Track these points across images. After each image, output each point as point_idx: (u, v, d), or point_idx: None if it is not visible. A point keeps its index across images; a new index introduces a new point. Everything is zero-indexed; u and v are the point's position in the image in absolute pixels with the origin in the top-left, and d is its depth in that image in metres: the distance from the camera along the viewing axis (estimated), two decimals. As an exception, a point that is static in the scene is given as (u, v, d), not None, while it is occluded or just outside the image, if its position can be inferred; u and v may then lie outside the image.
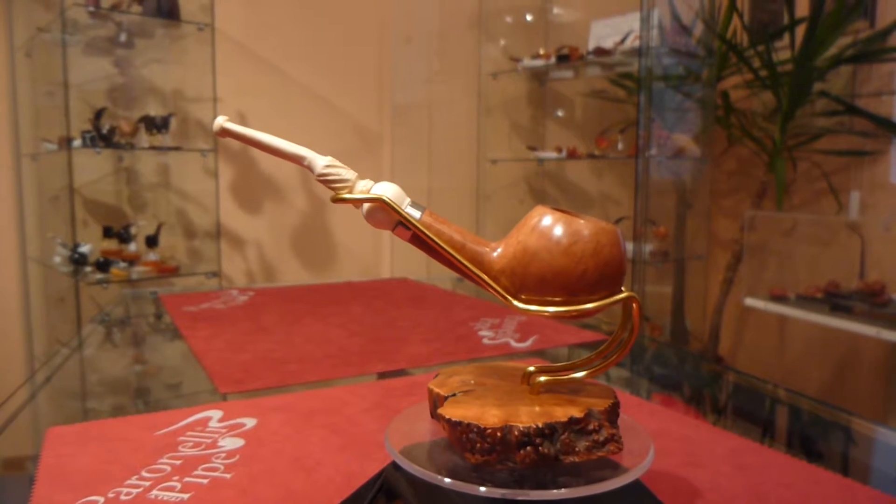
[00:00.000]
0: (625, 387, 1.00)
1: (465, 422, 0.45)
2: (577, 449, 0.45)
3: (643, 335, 2.35)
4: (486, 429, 0.44)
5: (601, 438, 0.45)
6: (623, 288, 0.49)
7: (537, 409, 0.47)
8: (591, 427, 0.45)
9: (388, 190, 0.52)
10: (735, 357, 2.87)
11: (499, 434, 0.44)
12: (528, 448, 0.44)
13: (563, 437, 0.45)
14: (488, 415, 0.46)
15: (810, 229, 2.53)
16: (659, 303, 2.73)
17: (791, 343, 2.66)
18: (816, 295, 2.18)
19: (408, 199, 0.53)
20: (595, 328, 1.31)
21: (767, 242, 2.53)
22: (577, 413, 0.45)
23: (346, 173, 0.53)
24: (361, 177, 0.55)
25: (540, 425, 0.44)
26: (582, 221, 0.48)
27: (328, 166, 0.53)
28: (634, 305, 0.48)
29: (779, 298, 2.23)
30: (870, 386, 2.37)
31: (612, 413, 0.47)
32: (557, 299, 0.47)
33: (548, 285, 0.47)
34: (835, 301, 2.08)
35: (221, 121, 0.55)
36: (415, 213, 0.52)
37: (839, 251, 2.37)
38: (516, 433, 0.44)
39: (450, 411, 0.47)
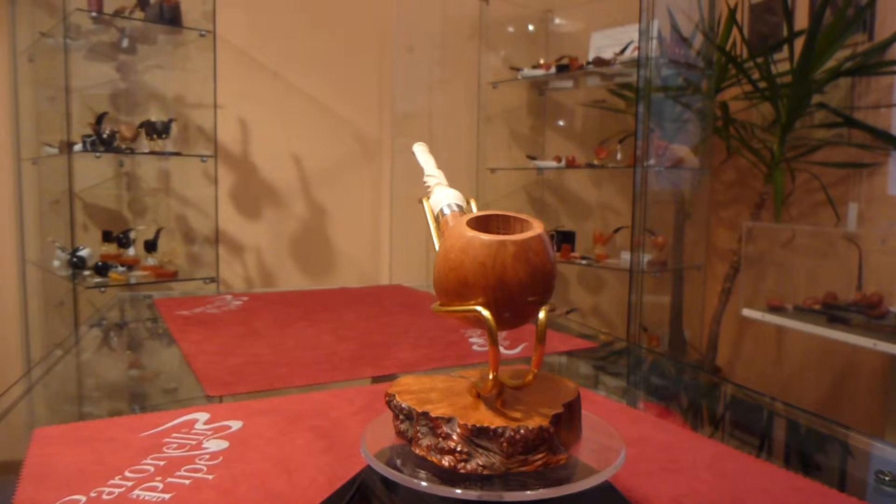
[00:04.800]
0: (621, 396, 1.00)
1: (388, 387, 0.54)
2: (420, 442, 0.48)
3: (640, 346, 2.35)
4: (385, 393, 0.53)
5: (442, 446, 0.46)
6: (544, 301, 0.48)
7: (435, 397, 0.51)
8: (439, 431, 0.47)
9: (437, 194, 0.60)
10: (733, 367, 2.86)
11: (386, 398, 0.52)
12: (398, 421, 0.50)
13: (415, 424, 0.48)
14: (405, 389, 0.53)
15: (808, 241, 2.53)
16: (657, 313, 2.73)
17: (789, 354, 2.65)
18: (814, 306, 2.18)
19: (451, 202, 0.58)
20: (592, 337, 1.31)
21: (766, 253, 2.53)
22: (434, 412, 0.47)
23: (431, 181, 0.62)
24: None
25: (404, 405, 0.49)
26: (472, 232, 0.47)
27: (427, 176, 0.63)
28: (480, 316, 0.46)
29: (776, 309, 2.23)
30: (866, 397, 2.36)
31: (476, 434, 0.46)
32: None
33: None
34: (832, 312, 2.08)
35: (414, 146, 0.69)
36: (446, 213, 0.58)
37: (837, 263, 2.37)
38: (392, 404, 0.51)
39: (399, 381, 0.55)
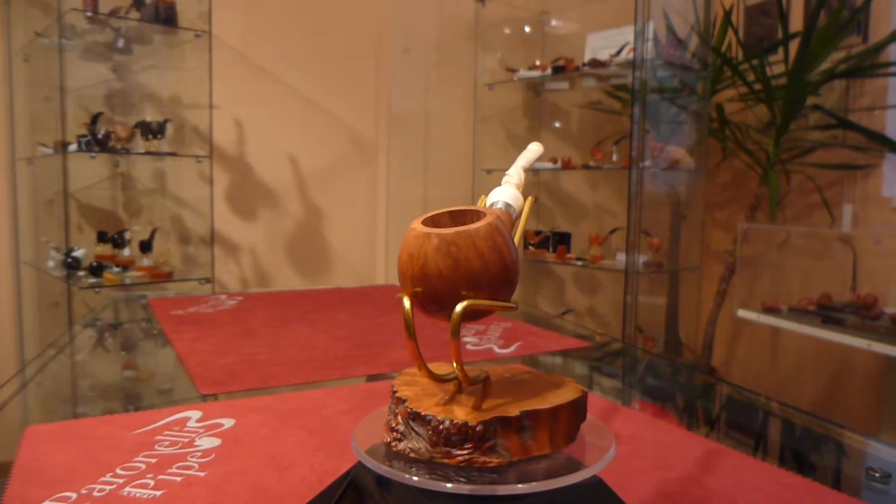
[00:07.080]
0: (616, 396, 1.00)
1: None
2: (387, 418, 0.52)
3: (635, 346, 2.35)
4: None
5: (392, 423, 0.50)
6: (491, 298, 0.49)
7: (424, 382, 0.54)
8: (395, 410, 0.51)
9: (495, 190, 0.60)
10: (728, 368, 2.87)
11: (389, 387, 0.54)
12: (392, 401, 0.53)
13: (392, 403, 0.52)
14: (413, 373, 0.55)
15: (803, 242, 2.54)
16: (653, 314, 2.73)
17: (784, 354, 2.66)
18: (809, 307, 2.19)
19: (499, 199, 0.58)
20: (587, 337, 1.31)
21: (761, 254, 2.54)
22: (400, 393, 0.51)
23: (504, 179, 0.62)
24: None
25: (394, 386, 0.53)
26: (414, 224, 0.49)
27: (505, 174, 0.63)
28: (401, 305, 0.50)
29: (772, 310, 2.24)
30: (861, 397, 2.37)
31: (413, 418, 0.48)
32: None
33: None
34: (827, 313, 2.08)
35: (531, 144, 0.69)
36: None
37: (832, 264, 2.38)
38: (390, 388, 0.53)
39: (408, 375, 0.58)
